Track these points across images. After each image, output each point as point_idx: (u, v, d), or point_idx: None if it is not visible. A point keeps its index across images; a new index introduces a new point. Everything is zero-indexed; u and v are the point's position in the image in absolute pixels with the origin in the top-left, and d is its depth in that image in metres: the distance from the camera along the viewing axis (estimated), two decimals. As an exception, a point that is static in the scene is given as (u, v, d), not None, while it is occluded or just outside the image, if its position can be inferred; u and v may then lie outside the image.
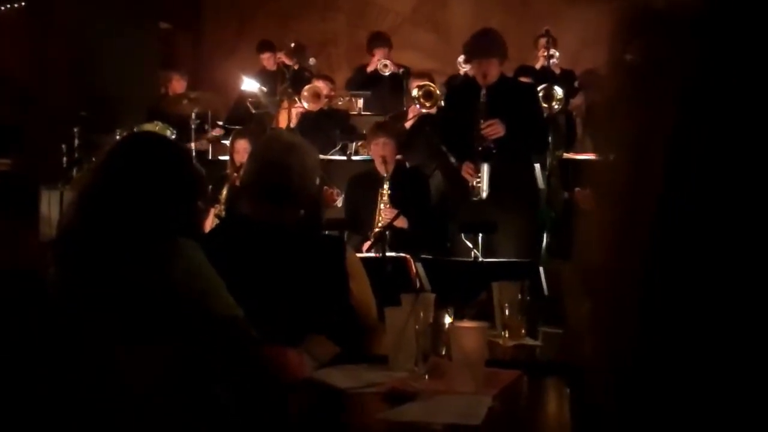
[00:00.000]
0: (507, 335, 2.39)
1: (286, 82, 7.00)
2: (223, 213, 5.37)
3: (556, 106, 6.04)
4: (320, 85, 6.79)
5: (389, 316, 2.09)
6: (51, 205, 5.66)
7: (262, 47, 7.84)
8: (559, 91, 6.06)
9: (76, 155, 6.36)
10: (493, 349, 2.17)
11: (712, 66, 0.55)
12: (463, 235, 4.41)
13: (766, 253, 0.53)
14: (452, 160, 4.77)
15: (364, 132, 5.92)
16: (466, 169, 4.67)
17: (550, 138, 5.36)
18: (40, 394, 1.83)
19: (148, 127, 6.58)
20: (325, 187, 5.14)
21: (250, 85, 7.15)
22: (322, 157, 4.89)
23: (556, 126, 5.91)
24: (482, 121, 4.60)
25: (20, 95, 6.77)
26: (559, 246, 5.02)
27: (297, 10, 9.25)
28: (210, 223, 5.25)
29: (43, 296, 1.95)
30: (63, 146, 6.37)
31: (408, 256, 3.79)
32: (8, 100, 6.52)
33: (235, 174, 5.28)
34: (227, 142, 6.03)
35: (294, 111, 6.75)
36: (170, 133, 6.57)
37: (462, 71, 6.92)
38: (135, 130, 6.33)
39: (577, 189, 5.12)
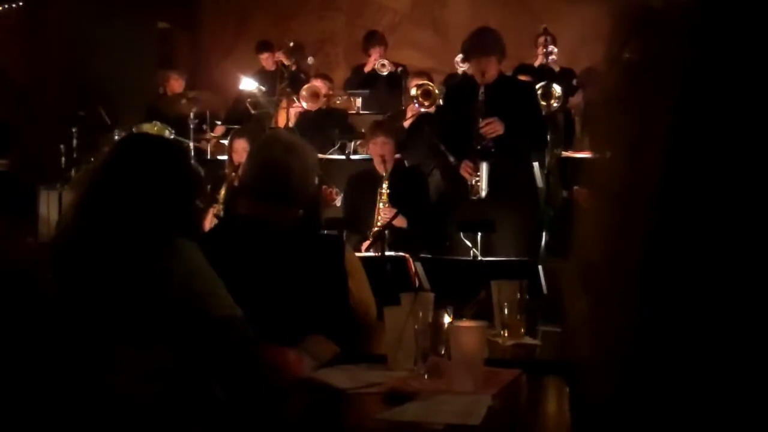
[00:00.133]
0: (506, 334, 2.39)
1: (285, 82, 7.00)
2: (222, 213, 5.37)
3: (555, 104, 6.04)
4: (319, 84, 6.79)
5: (388, 315, 2.09)
6: (50, 206, 5.66)
7: (260, 47, 7.84)
8: (557, 89, 6.06)
9: (75, 155, 6.36)
10: (492, 348, 2.17)
11: (709, 65, 0.54)
12: (462, 234, 4.41)
13: (764, 250, 0.53)
14: (451, 159, 4.77)
15: (363, 131, 5.93)
16: (465, 168, 4.67)
17: (548, 136, 5.36)
18: (39, 394, 1.83)
19: (147, 126, 6.59)
20: (324, 187, 5.14)
21: (248, 84, 7.15)
22: (320, 156, 4.90)
23: (554, 124, 5.92)
24: (481, 119, 4.60)
25: (18, 95, 6.77)
26: (558, 244, 5.02)
27: (295, 9, 9.25)
28: (209, 222, 5.25)
29: (41, 297, 1.95)
30: (61, 146, 6.37)
31: (407, 255, 3.79)
32: (6, 100, 6.51)
33: (234, 174, 5.28)
34: (226, 142, 6.02)
35: (292, 110, 6.75)
36: (168, 133, 6.57)
37: (460, 70, 6.92)
38: (133, 129, 6.35)
39: (576, 187, 5.12)
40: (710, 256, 0.54)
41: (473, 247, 4.25)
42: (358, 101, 7.25)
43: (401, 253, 3.88)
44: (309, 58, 7.75)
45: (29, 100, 6.85)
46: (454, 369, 1.91)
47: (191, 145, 6.49)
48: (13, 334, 1.91)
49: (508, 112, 4.60)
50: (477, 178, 4.64)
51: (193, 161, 5.50)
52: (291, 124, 6.58)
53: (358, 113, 7.14)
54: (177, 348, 1.86)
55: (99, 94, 6.92)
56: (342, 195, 5.26)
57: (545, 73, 6.44)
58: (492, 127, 4.58)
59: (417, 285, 3.37)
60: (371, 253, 4.26)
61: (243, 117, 7.20)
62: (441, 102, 5.75)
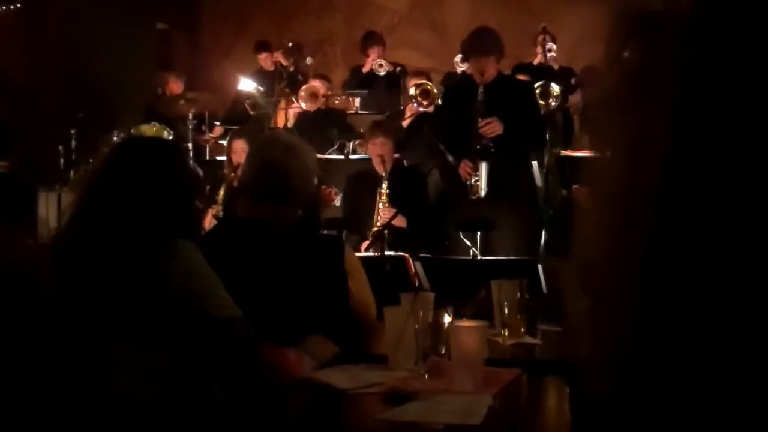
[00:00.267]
0: (506, 334, 2.39)
1: (283, 82, 7.00)
2: (221, 213, 5.36)
3: (553, 104, 6.04)
4: (317, 84, 6.79)
5: (388, 315, 2.09)
6: (49, 207, 5.65)
7: (258, 47, 7.84)
8: (555, 88, 6.06)
9: (74, 156, 6.35)
10: (492, 348, 2.17)
11: (709, 65, 0.55)
12: (461, 233, 4.41)
13: (763, 249, 0.53)
14: (450, 158, 4.77)
15: (362, 131, 5.92)
16: (464, 168, 4.67)
17: (547, 135, 5.36)
18: (40, 395, 1.83)
19: (145, 127, 6.58)
20: (323, 187, 5.14)
21: (246, 85, 7.15)
22: (319, 156, 4.90)
23: (553, 123, 5.92)
24: (480, 119, 4.60)
25: (17, 96, 6.77)
26: (558, 243, 5.03)
27: (294, 9, 9.25)
28: (208, 223, 5.24)
29: (41, 298, 1.95)
30: (60, 147, 6.36)
31: (406, 255, 3.79)
32: (5, 101, 6.51)
33: (233, 174, 5.27)
34: (224, 143, 6.02)
35: (291, 111, 6.75)
36: (167, 134, 6.56)
37: (459, 70, 6.92)
38: (132, 130, 6.35)
39: (575, 186, 5.13)
40: (710, 256, 0.54)
41: (473, 247, 4.26)
42: (357, 101, 7.25)
43: (401, 253, 3.88)
44: (307, 59, 7.75)
45: (28, 101, 6.84)
46: (454, 369, 1.91)
47: (190, 145, 6.48)
48: (12, 336, 1.91)
49: (507, 112, 4.61)
50: (476, 178, 4.65)
51: (191, 162, 5.51)
52: (290, 125, 6.57)
53: (356, 113, 7.13)
54: (176, 349, 1.85)
55: (98, 94, 6.91)
56: (341, 195, 5.26)
57: (544, 72, 6.44)
58: (491, 127, 4.58)
59: (417, 285, 3.37)
60: (371, 253, 4.26)
61: (242, 118, 7.19)
62: (440, 102, 5.75)
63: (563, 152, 5.69)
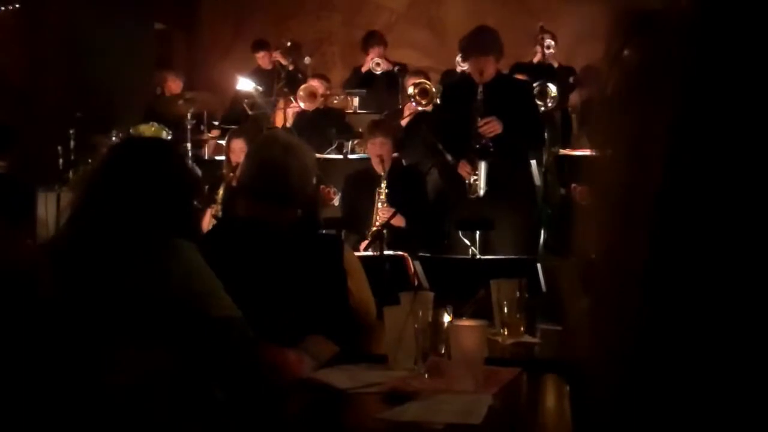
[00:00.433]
0: (506, 333, 2.39)
1: (282, 82, 7.00)
2: (220, 213, 5.36)
3: (551, 104, 6.05)
4: (316, 84, 6.79)
5: (388, 315, 2.09)
6: (48, 207, 5.65)
7: (256, 46, 7.83)
8: (553, 88, 6.07)
9: (73, 156, 6.35)
10: (492, 347, 2.17)
11: (709, 65, 0.55)
12: (460, 232, 4.42)
13: (764, 249, 0.53)
14: (449, 157, 4.77)
15: (361, 131, 5.92)
16: (463, 167, 4.67)
17: (546, 135, 5.36)
18: (39, 395, 1.82)
19: (144, 127, 6.58)
20: (322, 186, 5.14)
21: (245, 84, 7.14)
22: (318, 156, 4.89)
23: (552, 123, 5.92)
24: (479, 118, 4.60)
25: (15, 97, 6.76)
26: (556, 242, 5.03)
27: (293, 9, 9.24)
28: (207, 223, 5.24)
29: (40, 298, 1.95)
30: (59, 148, 6.35)
31: (406, 254, 3.79)
32: (4, 102, 6.50)
33: (232, 174, 5.27)
34: (223, 142, 6.02)
35: (290, 110, 6.75)
36: (166, 134, 6.56)
37: (460, 69, 6.91)
38: (131, 130, 6.34)
39: (573, 185, 5.13)
40: (710, 256, 0.54)
41: (472, 246, 4.26)
42: (356, 101, 7.25)
43: (400, 253, 3.88)
44: (306, 58, 7.74)
45: (26, 101, 6.84)
46: (454, 368, 1.91)
47: (189, 145, 6.48)
48: (12, 336, 1.91)
49: (506, 111, 4.61)
50: (475, 177, 4.65)
51: (190, 162, 5.51)
52: (288, 124, 6.57)
53: (355, 113, 7.13)
54: (176, 349, 1.85)
55: (97, 94, 6.91)
56: (340, 195, 5.26)
57: (543, 71, 6.44)
58: (491, 126, 4.58)
59: (416, 284, 3.37)
60: (370, 253, 4.25)
61: (240, 117, 7.19)
62: (438, 101, 5.75)
63: (562, 151, 5.69)
